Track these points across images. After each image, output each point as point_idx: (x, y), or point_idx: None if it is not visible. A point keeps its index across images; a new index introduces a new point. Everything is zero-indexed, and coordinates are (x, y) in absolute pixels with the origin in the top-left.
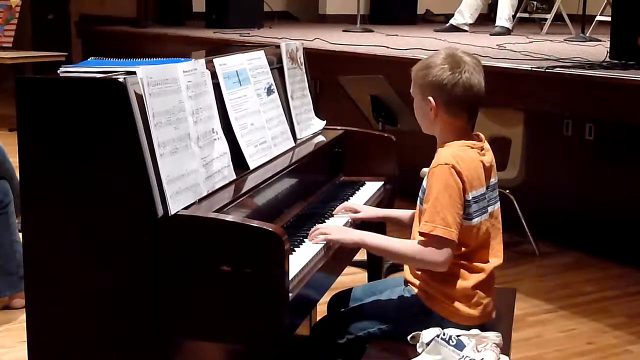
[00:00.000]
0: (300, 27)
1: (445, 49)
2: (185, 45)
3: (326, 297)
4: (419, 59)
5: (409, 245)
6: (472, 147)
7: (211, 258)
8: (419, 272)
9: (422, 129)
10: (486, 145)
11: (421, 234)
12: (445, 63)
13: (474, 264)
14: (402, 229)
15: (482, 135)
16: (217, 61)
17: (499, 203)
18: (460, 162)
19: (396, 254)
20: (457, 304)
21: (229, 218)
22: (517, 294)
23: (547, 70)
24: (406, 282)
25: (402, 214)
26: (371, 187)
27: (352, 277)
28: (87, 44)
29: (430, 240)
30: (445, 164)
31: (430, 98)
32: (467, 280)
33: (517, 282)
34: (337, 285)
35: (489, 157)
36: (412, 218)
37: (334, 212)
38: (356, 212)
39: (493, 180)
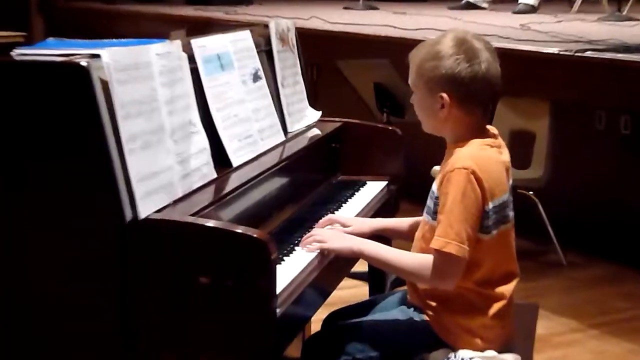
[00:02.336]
0: (295, 4)
1: (451, 33)
2: (163, 24)
3: (321, 315)
4: (422, 42)
5: (415, 260)
6: (492, 146)
7: (187, 268)
8: (430, 302)
9: (426, 128)
10: (502, 141)
11: (434, 250)
12: (460, 52)
13: (495, 290)
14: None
15: (495, 130)
16: (196, 42)
17: None
18: (482, 166)
19: (400, 268)
20: (475, 337)
21: (208, 223)
22: (541, 311)
23: (577, 55)
24: (410, 304)
25: (400, 224)
26: (373, 188)
27: (351, 292)
28: (50, 22)
29: (441, 257)
30: (464, 168)
31: (444, 94)
32: (487, 310)
33: (540, 296)
34: (333, 300)
35: (506, 155)
36: (413, 227)
37: (316, 226)
38: (344, 226)
39: (510, 182)
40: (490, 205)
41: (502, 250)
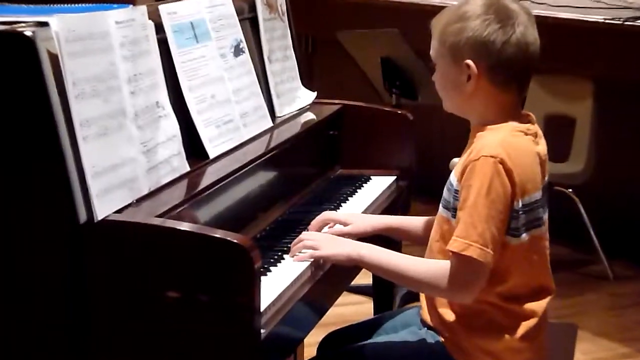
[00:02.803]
0: None
1: None
2: None
3: (317, 337)
4: (447, 7)
5: (428, 267)
6: (526, 133)
7: (154, 280)
8: (446, 316)
9: (447, 106)
10: (539, 130)
11: (452, 253)
12: (490, 12)
13: (524, 307)
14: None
15: (532, 116)
16: (165, 8)
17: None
18: (513, 155)
19: (409, 277)
20: None
21: (178, 225)
22: (583, 333)
23: (626, 24)
24: (424, 324)
25: (413, 223)
26: (379, 184)
27: (354, 309)
28: None
29: (460, 262)
30: (491, 156)
31: (470, 62)
32: (515, 331)
33: (581, 315)
34: (332, 319)
35: (543, 146)
36: (427, 228)
37: (309, 228)
38: (342, 224)
39: (546, 179)
40: (521, 203)
41: (533, 258)
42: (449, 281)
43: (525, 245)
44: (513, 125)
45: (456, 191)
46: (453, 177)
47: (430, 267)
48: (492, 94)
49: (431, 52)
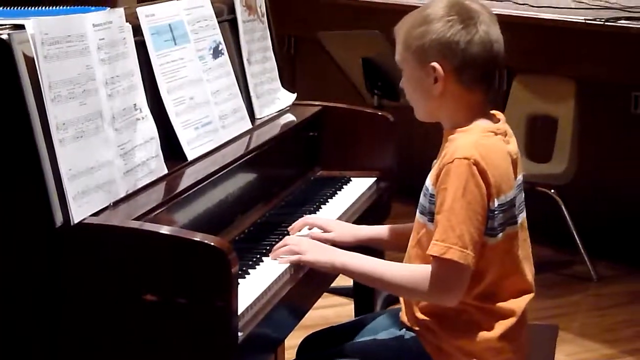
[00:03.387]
0: None
1: None
2: None
3: (299, 339)
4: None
5: (409, 272)
6: (496, 133)
7: (131, 284)
8: (424, 317)
9: (419, 114)
10: (508, 128)
11: (432, 257)
12: (452, 13)
13: (501, 305)
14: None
15: (501, 115)
16: (142, 11)
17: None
18: (486, 156)
19: (392, 283)
20: None
21: (154, 228)
22: (566, 334)
23: (607, 24)
24: (404, 325)
25: (394, 232)
26: (359, 186)
27: (335, 310)
28: None
29: (441, 266)
30: (465, 158)
31: (435, 64)
32: (493, 330)
33: (564, 316)
34: (313, 321)
35: (514, 145)
36: (400, 235)
37: (289, 229)
38: (325, 230)
39: (519, 177)
40: (496, 202)
41: (509, 257)
42: (431, 285)
43: (501, 244)
44: (483, 126)
45: (432, 195)
46: (428, 182)
47: (412, 272)
48: (460, 95)
49: (396, 58)
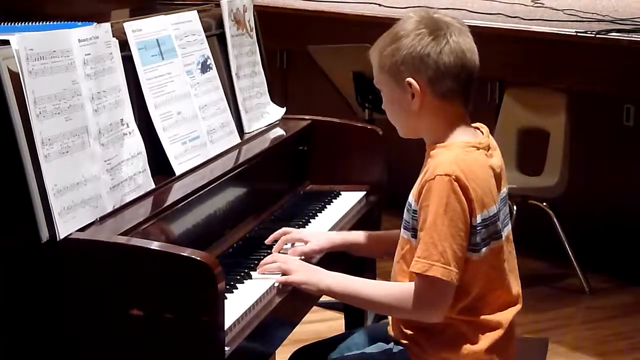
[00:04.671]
0: None
1: (414, 12)
2: (101, 2)
3: (288, 354)
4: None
5: (394, 291)
6: (478, 148)
7: (117, 299)
8: (411, 330)
9: (402, 131)
10: (492, 141)
11: (415, 275)
12: (422, 27)
13: (486, 317)
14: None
15: (485, 128)
16: (129, 26)
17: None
18: (467, 171)
19: (377, 303)
20: None
21: (141, 243)
22: (558, 347)
23: (598, 36)
24: (392, 339)
25: (369, 238)
26: (349, 200)
27: (327, 325)
28: None
29: (424, 283)
30: (446, 174)
31: (410, 79)
32: (479, 343)
33: (557, 329)
34: (305, 336)
35: (497, 159)
36: (384, 242)
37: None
38: (303, 242)
39: (504, 190)
40: (479, 218)
41: (494, 271)
42: (415, 303)
43: (486, 259)
44: (464, 141)
45: (414, 212)
46: (411, 198)
47: (396, 291)
48: (439, 108)
49: (374, 81)
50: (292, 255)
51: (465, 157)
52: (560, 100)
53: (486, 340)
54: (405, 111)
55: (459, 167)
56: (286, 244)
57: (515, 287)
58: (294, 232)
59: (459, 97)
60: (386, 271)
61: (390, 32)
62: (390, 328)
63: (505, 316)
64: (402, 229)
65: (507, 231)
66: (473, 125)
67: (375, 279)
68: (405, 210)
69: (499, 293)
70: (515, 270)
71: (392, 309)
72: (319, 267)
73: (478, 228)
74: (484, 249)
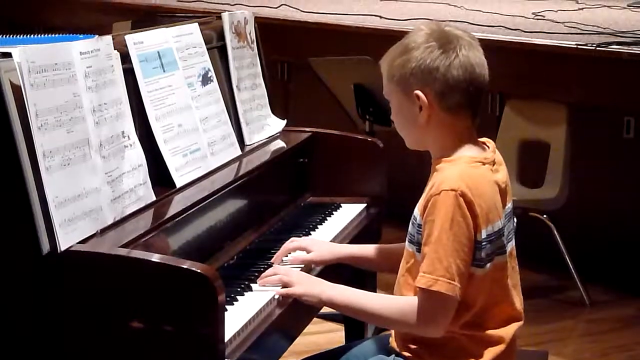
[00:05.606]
0: None
1: (425, 24)
2: (103, 14)
3: None
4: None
5: (396, 304)
6: (484, 163)
7: (117, 311)
8: (413, 343)
9: (409, 143)
10: (498, 157)
11: (420, 289)
12: (431, 40)
13: (489, 332)
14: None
15: (491, 143)
16: (130, 38)
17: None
18: (472, 187)
19: (379, 316)
20: None
21: (141, 256)
22: (558, 359)
23: (598, 49)
24: (393, 351)
25: (374, 251)
26: (349, 212)
27: (327, 337)
28: None
29: (428, 297)
30: (452, 189)
31: (418, 92)
32: (482, 358)
33: (557, 341)
34: (306, 347)
35: (503, 174)
36: (388, 256)
37: (272, 260)
38: (306, 250)
39: (509, 206)
40: (484, 234)
41: (497, 286)
42: (418, 317)
43: (490, 274)
44: (470, 155)
45: (419, 225)
46: (416, 212)
47: (399, 304)
48: (446, 121)
49: (384, 92)
50: (293, 263)
51: (471, 173)
52: (560, 112)
53: (488, 355)
54: (412, 123)
55: (464, 182)
56: (286, 256)
57: (518, 302)
58: (297, 240)
59: (467, 111)
60: (385, 282)
61: (401, 43)
62: (392, 340)
63: (507, 331)
64: (407, 242)
65: (510, 247)
66: (479, 140)
67: (375, 291)
68: (410, 223)
69: (501, 308)
70: (518, 286)
71: (394, 323)
72: (320, 279)
73: (483, 243)
74: (488, 265)
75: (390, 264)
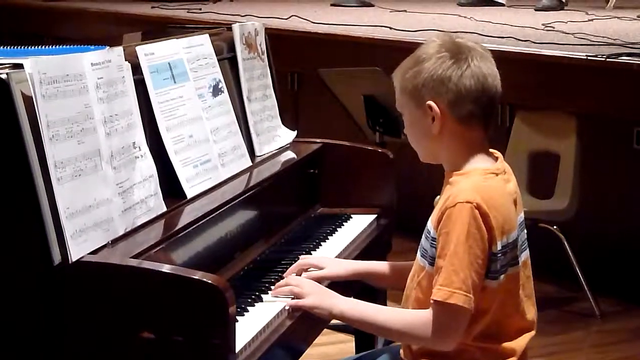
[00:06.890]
0: (273, 0)
1: (437, 36)
2: (115, 25)
3: None
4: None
5: (409, 318)
6: (497, 174)
7: (128, 321)
8: (424, 355)
9: (422, 156)
10: (507, 167)
11: (435, 302)
12: (443, 51)
13: (503, 345)
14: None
15: (498, 154)
16: (142, 50)
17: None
18: (487, 199)
19: (391, 329)
20: None
21: (152, 267)
22: None
23: (609, 60)
24: None
25: (386, 268)
26: (359, 223)
27: (337, 347)
28: None
29: (444, 310)
30: (467, 202)
31: (431, 102)
32: None
33: (567, 353)
34: (312, 358)
35: (513, 185)
36: (400, 273)
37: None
38: (318, 268)
39: (521, 215)
40: (499, 245)
41: (510, 297)
42: (433, 330)
43: (503, 285)
44: (483, 167)
45: (433, 239)
46: (430, 225)
47: (412, 318)
48: (458, 132)
49: (397, 104)
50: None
51: (486, 184)
52: (570, 123)
53: None
54: (425, 135)
55: (480, 195)
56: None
57: (531, 312)
58: (310, 258)
59: (479, 122)
60: (395, 294)
61: (413, 55)
62: (402, 352)
63: (519, 343)
64: (418, 255)
65: (524, 256)
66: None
67: (386, 304)
68: (423, 237)
69: (514, 319)
70: (532, 296)
71: (407, 337)
72: (332, 291)
73: (498, 255)
74: (502, 276)
75: (403, 282)
